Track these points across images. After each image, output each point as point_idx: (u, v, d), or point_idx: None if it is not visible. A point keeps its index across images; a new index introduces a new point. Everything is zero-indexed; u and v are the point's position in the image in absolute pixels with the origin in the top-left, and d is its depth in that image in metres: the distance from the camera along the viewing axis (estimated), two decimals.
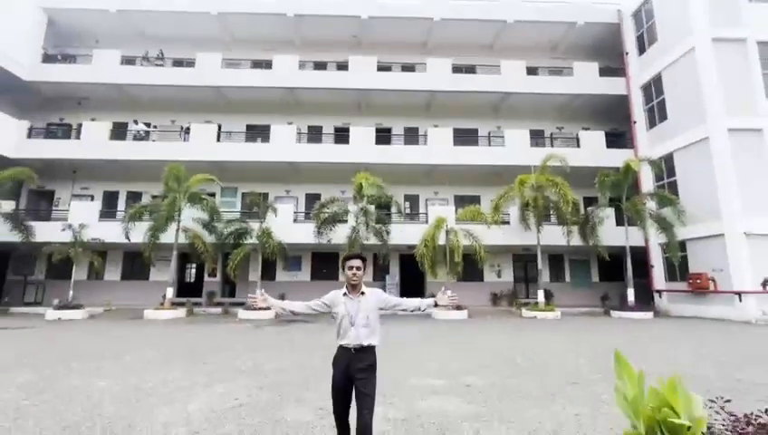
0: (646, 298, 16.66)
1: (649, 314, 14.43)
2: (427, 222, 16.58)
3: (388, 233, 15.77)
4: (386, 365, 6.00)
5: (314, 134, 20.02)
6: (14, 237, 15.35)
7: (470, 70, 20.14)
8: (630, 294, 15.05)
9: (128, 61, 19.37)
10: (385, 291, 14.76)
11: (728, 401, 2.13)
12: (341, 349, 2.76)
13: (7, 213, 15.47)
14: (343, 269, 2.85)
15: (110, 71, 18.37)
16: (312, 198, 18.97)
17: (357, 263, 2.79)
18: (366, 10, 19.06)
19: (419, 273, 17.53)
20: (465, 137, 19.48)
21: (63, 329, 11.05)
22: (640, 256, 17.02)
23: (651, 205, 15.94)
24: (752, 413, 2.05)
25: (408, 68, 20.22)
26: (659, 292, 16.51)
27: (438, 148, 18.20)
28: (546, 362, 6.58)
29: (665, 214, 15.40)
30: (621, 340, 9.28)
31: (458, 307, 14.56)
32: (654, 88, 17.33)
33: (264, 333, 10.41)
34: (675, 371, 5.42)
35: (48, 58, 19.00)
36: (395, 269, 18.96)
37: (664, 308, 16.02)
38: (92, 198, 18.96)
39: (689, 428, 1.74)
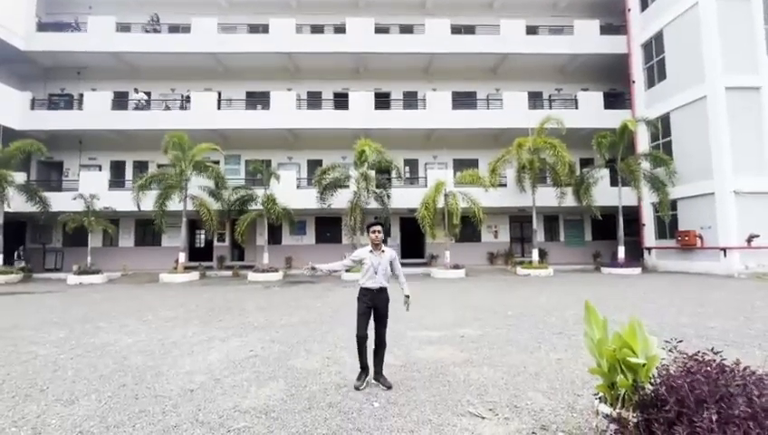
0: (636, 255, 17.37)
1: (637, 270, 15.18)
2: (426, 186, 17.01)
3: (388, 197, 16.29)
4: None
5: (314, 100, 20.05)
6: (30, 208, 16.04)
7: (469, 30, 19.79)
8: (621, 252, 15.74)
9: (123, 27, 19.12)
10: None
11: (680, 341, 2.32)
12: (366, 289, 3.81)
13: (20, 184, 16.00)
14: (368, 233, 3.94)
15: (105, 38, 18.19)
16: (313, 164, 19.35)
17: (378, 228, 3.88)
18: None
19: (419, 235, 18.24)
20: (463, 100, 19.49)
21: (86, 292, 11.90)
22: (632, 215, 17.56)
23: (646, 165, 16.26)
24: (698, 352, 2.27)
25: (407, 29, 19.86)
26: (649, 249, 17.20)
27: (437, 112, 18.30)
28: (535, 315, 7.16)
29: (658, 174, 15.78)
30: (607, 293, 9.97)
31: (456, 266, 15.34)
32: (655, 46, 17.12)
33: (272, 293, 11.20)
34: (657, 321, 6.08)
35: (43, 26, 18.78)
36: (396, 232, 19.65)
37: (652, 264, 16.76)
38: (100, 168, 19.41)
39: (644, 365, 2.02)
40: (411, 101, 20.04)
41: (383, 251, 3.86)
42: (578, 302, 8.63)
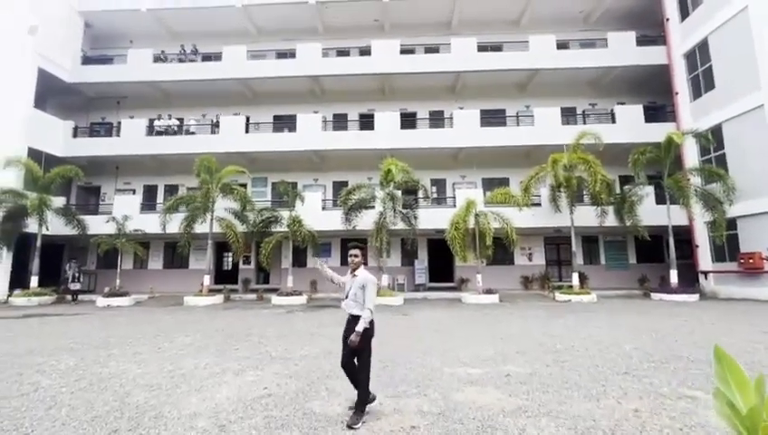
0: (690, 280, 15.77)
1: (695, 297, 13.65)
2: (454, 206, 16.32)
3: (415, 217, 15.66)
4: (416, 352, 6.01)
5: (340, 122, 20.05)
6: (69, 230, 16.55)
7: (496, 48, 19.39)
8: (673, 276, 14.28)
9: (160, 58, 20.00)
10: (414, 275, 14.69)
11: None
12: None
13: (58, 208, 16.57)
14: None
15: (143, 69, 19.08)
16: (339, 186, 19.08)
17: (354, 252, 3.69)
18: None
19: (448, 257, 17.42)
20: (492, 118, 18.90)
21: (111, 315, 11.81)
22: (683, 235, 16.08)
23: (696, 181, 14.95)
24: None
25: (432, 49, 19.69)
26: (705, 273, 15.57)
27: (464, 130, 17.78)
28: (588, 349, 6.21)
29: (712, 190, 14.42)
30: (667, 324, 8.75)
31: (489, 291, 14.38)
32: (699, 55, 16.06)
33: (296, 318, 10.68)
34: (745, 361, 5.10)
35: (87, 60, 19.94)
36: (423, 254, 18.89)
37: (711, 290, 15.11)
38: (134, 191, 19.98)
39: None
40: (438, 120, 19.66)
41: (355, 275, 3.62)
42: (635, 333, 7.57)
